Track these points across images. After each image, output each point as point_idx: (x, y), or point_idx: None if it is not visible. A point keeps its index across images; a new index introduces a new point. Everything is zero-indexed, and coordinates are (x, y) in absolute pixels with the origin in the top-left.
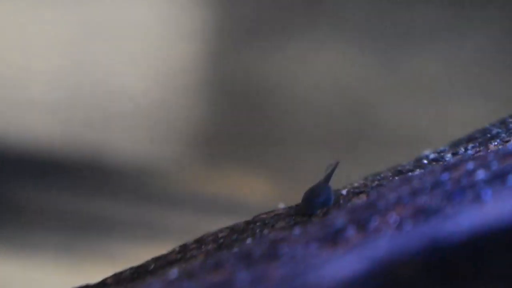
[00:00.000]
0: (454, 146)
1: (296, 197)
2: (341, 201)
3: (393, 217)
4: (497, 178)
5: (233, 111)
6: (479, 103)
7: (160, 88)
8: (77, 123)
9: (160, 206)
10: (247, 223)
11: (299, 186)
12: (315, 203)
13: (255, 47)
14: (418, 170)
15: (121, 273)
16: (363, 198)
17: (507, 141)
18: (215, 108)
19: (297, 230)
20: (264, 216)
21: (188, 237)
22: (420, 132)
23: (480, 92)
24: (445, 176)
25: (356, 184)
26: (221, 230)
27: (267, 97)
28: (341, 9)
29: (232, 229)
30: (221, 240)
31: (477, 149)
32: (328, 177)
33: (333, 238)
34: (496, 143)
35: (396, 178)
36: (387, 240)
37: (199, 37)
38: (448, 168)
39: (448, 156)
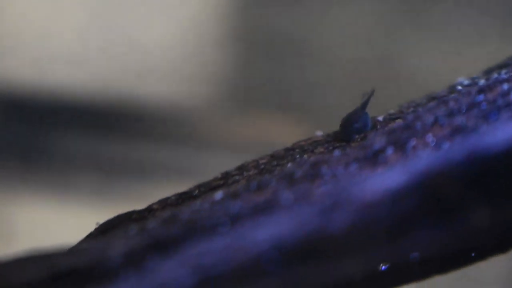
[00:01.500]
0: (487, 73)
1: None
2: (378, 127)
3: (430, 137)
4: None
5: (261, 61)
6: (506, 48)
7: (189, 41)
8: (111, 73)
9: (192, 150)
10: (287, 150)
11: (326, 129)
12: (352, 128)
13: (281, 0)
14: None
15: (166, 198)
16: (399, 123)
17: None
18: (245, 57)
19: (336, 153)
20: (303, 143)
21: None
22: (444, 80)
23: (508, 36)
24: (481, 97)
25: (391, 111)
26: (261, 157)
27: (294, 48)
28: None
29: (272, 156)
30: (262, 166)
31: (511, 74)
32: (364, 104)
33: (373, 158)
34: None
35: (432, 103)
36: (427, 155)
37: None
38: (483, 89)
39: (482, 81)
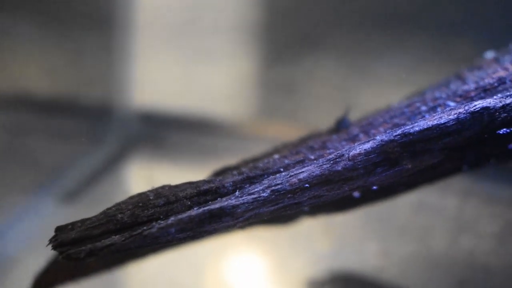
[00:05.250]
0: (410, 98)
1: None
2: (354, 125)
3: (382, 128)
4: (431, 110)
5: (281, 91)
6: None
7: (235, 81)
8: (194, 99)
9: (237, 142)
10: (308, 136)
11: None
12: (341, 125)
13: (288, 56)
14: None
15: (246, 159)
16: (366, 121)
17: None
18: (270, 89)
19: (334, 137)
20: (315, 133)
21: None
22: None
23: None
24: (406, 110)
25: (361, 117)
26: (294, 140)
27: (300, 88)
28: (328, 39)
29: (300, 139)
30: (295, 143)
31: (420, 97)
32: (346, 113)
33: (353, 139)
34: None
35: (381, 112)
36: (380, 135)
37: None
38: (408, 105)
39: (406, 102)
